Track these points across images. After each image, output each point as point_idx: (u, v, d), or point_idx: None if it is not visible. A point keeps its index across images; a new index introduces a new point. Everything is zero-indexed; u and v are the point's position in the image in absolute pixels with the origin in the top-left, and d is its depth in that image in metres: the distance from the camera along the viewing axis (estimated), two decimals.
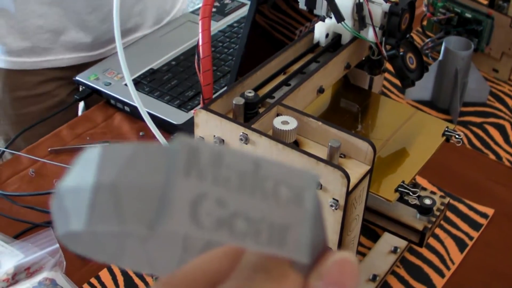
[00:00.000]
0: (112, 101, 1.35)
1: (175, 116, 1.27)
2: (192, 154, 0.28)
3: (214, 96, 0.76)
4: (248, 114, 0.75)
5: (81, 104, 1.72)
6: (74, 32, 1.50)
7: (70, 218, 0.29)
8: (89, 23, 1.50)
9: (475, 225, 1.11)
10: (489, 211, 1.13)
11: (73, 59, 1.54)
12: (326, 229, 0.33)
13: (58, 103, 1.55)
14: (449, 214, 1.12)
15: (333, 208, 0.68)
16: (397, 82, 1.41)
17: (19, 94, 1.54)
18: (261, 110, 0.76)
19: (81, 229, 0.29)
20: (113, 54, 1.50)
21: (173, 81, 1.37)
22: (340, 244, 0.71)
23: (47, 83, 1.55)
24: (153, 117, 1.26)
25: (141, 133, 1.29)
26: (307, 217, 0.29)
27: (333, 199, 0.67)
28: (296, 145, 0.73)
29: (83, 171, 0.29)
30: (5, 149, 1.23)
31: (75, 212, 0.29)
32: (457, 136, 0.91)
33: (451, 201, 1.14)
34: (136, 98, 0.71)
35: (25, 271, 0.97)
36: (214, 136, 0.73)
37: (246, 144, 0.70)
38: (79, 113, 1.57)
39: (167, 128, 1.25)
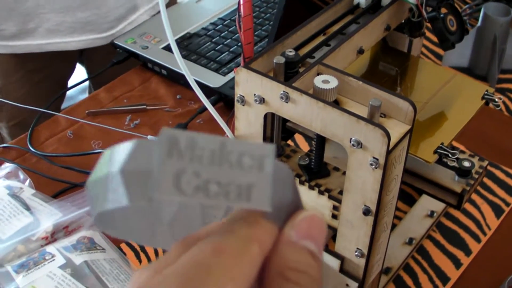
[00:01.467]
0: (149, 65, 1.35)
1: (212, 79, 1.27)
2: (173, 141, 0.36)
3: (254, 55, 0.76)
4: (288, 73, 0.74)
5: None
6: (79, 12, 1.49)
7: (98, 201, 0.38)
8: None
9: (511, 191, 1.11)
10: None
11: (82, 42, 1.53)
12: (299, 193, 0.42)
13: None
14: (485, 180, 1.12)
15: (373, 167, 0.68)
16: (435, 48, 1.40)
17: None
18: (301, 70, 0.76)
19: (105, 208, 0.38)
20: (151, 18, 1.50)
21: (210, 45, 1.38)
22: (379, 204, 0.71)
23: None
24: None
25: (178, 96, 1.29)
26: (267, 177, 0.37)
27: (373, 157, 0.67)
28: (336, 104, 0.73)
29: (103, 166, 0.38)
30: (44, 110, 1.24)
31: (101, 196, 0.38)
32: (496, 100, 0.90)
33: (488, 167, 1.13)
34: (180, 61, 0.72)
35: (64, 230, 0.98)
36: (255, 94, 0.73)
37: (287, 102, 0.70)
38: (87, 93, 1.57)
39: (204, 91, 1.25)
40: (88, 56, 1.64)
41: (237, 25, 0.75)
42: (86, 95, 1.93)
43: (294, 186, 0.41)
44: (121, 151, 0.38)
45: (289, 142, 1.17)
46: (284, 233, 0.40)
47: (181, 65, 0.72)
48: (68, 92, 1.59)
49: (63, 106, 1.64)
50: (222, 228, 0.39)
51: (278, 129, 0.81)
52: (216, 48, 1.37)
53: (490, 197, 1.10)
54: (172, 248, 0.40)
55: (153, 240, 0.45)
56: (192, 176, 0.36)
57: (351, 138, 0.67)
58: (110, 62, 1.37)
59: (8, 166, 1.09)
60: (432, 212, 1.02)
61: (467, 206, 1.08)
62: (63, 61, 1.61)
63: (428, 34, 1.38)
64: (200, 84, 1.25)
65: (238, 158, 0.37)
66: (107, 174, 0.37)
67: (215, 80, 1.27)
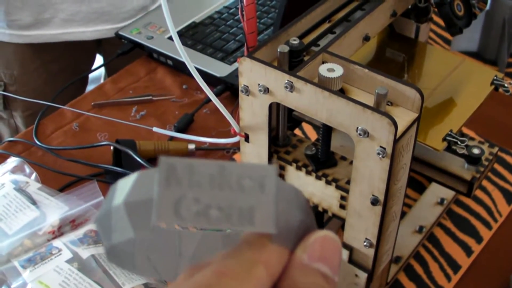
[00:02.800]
0: (155, 55, 1.34)
1: (218, 68, 1.26)
2: (170, 168, 0.36)
3: (258, 44, 0.75)
4: (293, 62, 0.73)
5: (102, 69, 1.71)
6: (94, 2, 1.48)
7: (106, 236, 0.38)
8: None
9: None
10: None
11: (98, 32, 1.52)
12: (311, 214, 0.40)
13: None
14: (496, 165, 1.10)
15: (380, 156, 0.66)
16: (443, 33, 1.38)
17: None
18: (306, 58, 0.74)
19: (114, 242, 0.38)
20: (155, 8, 1.49)
21: (215, 34, 1.36)
22: (387, 193, 0.70)
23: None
24: (196, 70, 1.27)
25: (184, 86, 1.28)
26: (269, 198, 0.36)
27: (380, 147, 0.66)
28: (342, 93, 0.72)
29: (109, 200, 0.38)
30: (50, 103, 1.23)
31: (109, 230, 0.38)
32: (506, 86, 0.89)
33: (499, 153, 1.12)
34: (181, 50, 0.70)
35: (70, 223, 0.97)
36: (259, 84, 0.72)
37: (292, 92, 0.69)
38: (101, 79, 1.56)
39: (210, 80, 1.25)
40: (105, 47, 1.63)
41: (240, 14, 0.73)
42: None
43: (304, 206, 0.40)
44: (126, 184, 0.38)
45: (297, 131, 1.16)
46: (296, 255, 0.38)
47: (182, 54, 0.71)
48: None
49: None
50: (227, 252, 0.38)
51: (284, 119, 0.80)
52: (222, 37, 1.35)
53: (501, 183, 1.08)
54: (180, 276, 0.39)
55: (176, 274, 0.44)
56: (192, 202, 0.36)
57: (357, 127, 0.66)
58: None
59: (14, 160, 1.08)
60: (442, 200, 1.01)
61: (478, 192, 1.06)
62: (81, 51, 1.60)
63: (435, 18, 1.36)
64: (206, 74, 1.24)
65: (238, 181, 0.37)
66: (112, 208, 0.38)
67: (221, 70, 1.26)
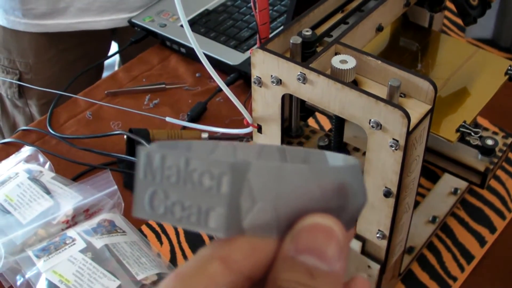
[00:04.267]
0: (168, 43, 1.34)
1: (231, 56, 1.26)
2: (147, 160, 0.37)
3: (271, 35, 0.74)
4: (305, 54, 0.73)
5: (117, 58, 1.71)
6: None
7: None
8: None
9: None
10: None
11: (113, 21, 1.52)
12: (315, 194, 0.37)
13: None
14: (511, 155, 1.10)
15: (393, 148, 0.66)
16: (458, 20, 1.37)
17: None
18: (319, 49, 0.74)
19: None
20: None
21: (228, 21, 1.36)
22: (400, 185, 0.70)
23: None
24: (209, 58, 1.26)
25: (197, 74, 1.28)
26: (223, 200, 0.35)
27: (393, 139, 0.66)
28: (355, 84, 0.71)
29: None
30: (62, 93, 1.23)
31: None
32: None
33: None
34: (191, 38, 0.70)
35: (84, 213, 0.97)
36: (272, 76, 0.71)
37: (304, 83, 0.69)
38: (116, 67, 1.55)
39: (223, 68, 1.25)
40: (120, 35, 1.63)
41: (252, 5, 0.73)
42: None
43: (300, 189, 0.37)
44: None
45: (311, 120, 1.16)
46: (283, 246, 0.36)
47: (190, 37, 0.70)
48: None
49: None
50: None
51: (297, 110, 0.80)
52: (235, 25, 1.35)
53: None
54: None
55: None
56: (162, 196, 0.37)
57: (370, 120, 0.66)
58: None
59: (28, 149, 1.09)
60: (456, 189, 1.00)
61: (492, 182, 1.06)
62: (96, 40, 1.60)
63: (450, 5, 1.35)
64: (219, 62, 1.24)
65: (199, 178, 0.36)
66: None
67: (235, 58, 1.26)
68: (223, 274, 0.35)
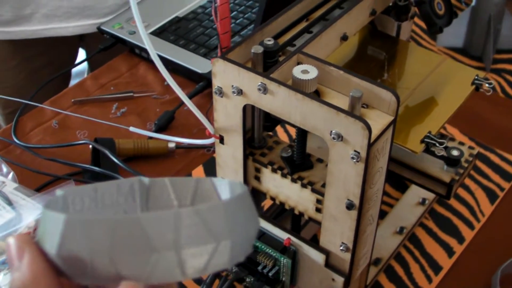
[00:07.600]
0: (137, 50, 1.33)
1: (200, 64, 1.24)
2: (61, 199, 0.49)
3: (232, 45, 0.73)
4: (267, 63, 0.72)
5: (86, 66, 1.69)
6: None
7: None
8: None
9: (506, 176, 1.08)
10: None
11: (80, 27, 1.49)
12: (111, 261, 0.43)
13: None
14: (480, 164, 1.09)
15: (354, 160, 0.65)
16: None
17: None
18: (281, 59, 0.73)
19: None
20: (137, 2, 1.47)
21: (198, 29, 1.35)
22: (363, 198, 0.69)
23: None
24: (178, 66, 1.25)
25: (165, 83, 1.27)
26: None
27: (355, 151, 0.64)
28: (316, 95, 0.70)
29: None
30: (28, 102, 1.21)
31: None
32: (488, 85, 0.87)
33: (483, 151, 1.11)
34: (146, 41, 0.69)
35: None
36: (233, 86, 0.70)
37: (265, 94, 0.67)
38: (85, 74, 1.53)
39: (192, 77, 1.23)
40: (88, 42, 1.61)
41: (213, 14, 0.72)
42: None
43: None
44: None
45: (280, 129, 1.15)
46: None
47: (145, 40, 0.69)
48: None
49: None
50: None
51: (259, 120, 0.79)
52: (205, 32, 1.34)
53: (485, 182, 1.07)
54: None
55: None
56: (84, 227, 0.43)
57: (331, 131, 0.65)
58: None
59: None
60: (424, 200, 0.99)
61: (461, 192, 1.05)
62: (63, 47, 1.57)
63: None
64: (188, 70, 1.23)
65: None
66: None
67: (204, 66, 1.24)
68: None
